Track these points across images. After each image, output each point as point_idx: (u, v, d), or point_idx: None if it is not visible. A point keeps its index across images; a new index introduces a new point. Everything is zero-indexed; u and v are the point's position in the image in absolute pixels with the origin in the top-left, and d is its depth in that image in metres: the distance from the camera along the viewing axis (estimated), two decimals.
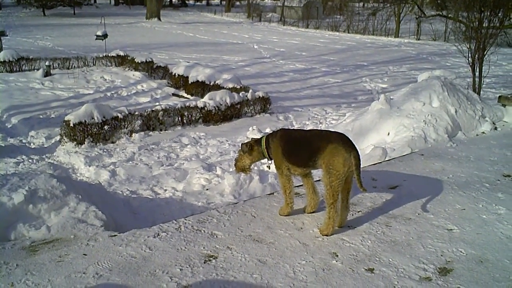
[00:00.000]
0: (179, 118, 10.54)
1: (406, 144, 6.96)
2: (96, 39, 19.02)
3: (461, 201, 4.64)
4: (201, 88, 13.40)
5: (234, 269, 3.40)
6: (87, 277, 3.26)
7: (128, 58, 16.93)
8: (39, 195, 4.22)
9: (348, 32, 38.58)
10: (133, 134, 9.76)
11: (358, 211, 4.42)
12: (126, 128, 9.84)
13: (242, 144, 4.28)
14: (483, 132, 7.54)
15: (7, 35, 18.89)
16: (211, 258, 3.53)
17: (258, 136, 7.67)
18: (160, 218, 5.50)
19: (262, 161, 4.51)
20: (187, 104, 10.81)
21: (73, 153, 8.64)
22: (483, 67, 11.07)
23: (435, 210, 4.42)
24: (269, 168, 4.36)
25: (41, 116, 11.03)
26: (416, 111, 7.75)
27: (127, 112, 9.90)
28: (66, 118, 9.33)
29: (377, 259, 3.54)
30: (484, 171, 5.55)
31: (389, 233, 3.97)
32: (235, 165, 4.40)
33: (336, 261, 3.51)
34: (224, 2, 60.35)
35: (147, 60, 16.17)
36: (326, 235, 3.88)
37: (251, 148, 4.22)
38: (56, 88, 13.88)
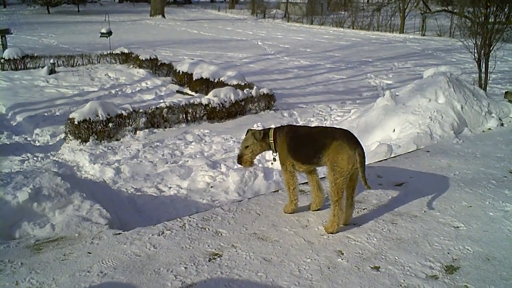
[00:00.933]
0: (184, 115, 10.53)
1: (411, 141, 6.92)
2: (100, 36, 19.03)
3: (468, 198, 4.60)
4: (205, 85, 13.38)
5: (238, 267, 3.38)
6: (91, 275, 3.26)
7: (133, 55, 16.94)
8: (44, 193, 4.22)
9: (353, 28, 38.40)
10: (138, 132, 9.76)
11: (364, 209, 4.39)
12: (131, 126, 9.84)
13: (255, 132, 4.16)
14: (490, 128, 7.48)
15: (11, 33, 18.95)
16: (215, 256, 3.52)
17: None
18: (164, 215, 5.49)
19: (267, 157, 4.48)
20: (192, 101, 10.79)
21: (77, 150, 8.64)
22: (489, 63, 10.99)
23: (441, 208, 4.39)
24: (275, 161, 4.30)
25: (46, 114, 11.05)
26: (422, 108, 7.69)
27: (131, 110, 9.90)
28: (70, 116, 9.34)
29: (383, 257, 3.52)
30: (490, 167, 5.50)
31: (395, 230, 3.94)
32: (240, 158, 4.20)
33: (342, 259, 3.49)
34: None
35: (151, 58, 16.16)
36: (331, 233, 3.86)
37: (263, 137, 4.14)
38: (61, 86, 13.90)
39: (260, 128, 4.32)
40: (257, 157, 5.67)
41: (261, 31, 33.89)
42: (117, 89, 13.77)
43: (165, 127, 10.17)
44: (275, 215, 4.25)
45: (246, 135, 4.24)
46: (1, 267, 3.37)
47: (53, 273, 3.30)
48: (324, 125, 9.34)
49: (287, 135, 4.04)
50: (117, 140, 9.43)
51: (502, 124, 7.63)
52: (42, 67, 15.55)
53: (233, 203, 4.63)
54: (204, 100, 10.77)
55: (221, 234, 3.88)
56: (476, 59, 10.95)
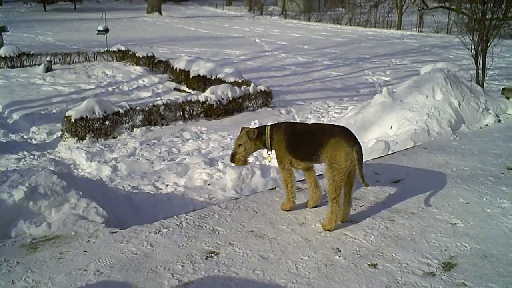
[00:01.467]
0: (181, 113, 10.50)
1: (409, 138, 6.91)
2: (97, 34, 18.95)
3: (465, 195, 4.60)
4: (202, 82, 13.34)
5: (236, 265, 3.37)
6: (88, 274, 3.24)
7: (129, 52, 16.88)
8: (40, 191, 4.20)
9: (350, 25, 38.36)
10: (135, 129, 9.73)
11: (361, 206, 4.38)
12: (128, 123, 9.81)
13: (249, 131, 4.10)
14: (487, 125, 7.48)
15: (8, 31, 18.85)
16: (212, 254, 3.51)
17: None
18: (161, 213, 5.48)
19: (264, 155, 4.45)
20: (189, 98, 10.77)
21: (74, 148, 8.61)
22: (486, 59, 10.98)
23: (438, 204, 4.38)
24: (269, 161, 4.28)
25: (42, 112, 11.01)
26: (419, 104, 7.69)
27: (128, 107, 9.86)
28: (67, 114, 9.30)
29: (380, 254, 3.51)
30: (488, 164, 5.50)
31: (393, 228, 3.94)
32: (233, 157, 4.15)
33: (339, 256, 3.48)
34: None
35: (148, 55, 16.12)
36: (329, 230, 3.85)
37: (258, 136, 4.10)
38: (58, 84, 13.84)
39: (256, 126, 4.28)
40: (255, 154, 5.67)
41: (258, 28, 33.81)
42: (114, 87, 13.72)
43: (162, 125, 10.14)
44: (272, 212, 4.24)
45: (240, 133, 4.20)
46: None
47: (49, 272, 3.28)
48: (321, 122, 9.34)
49: (285, 132, 4.01)
50: (114, 138, 9.40)
51: (499, 121, 7.63)
52: (39, 64, 15.48)
53: (230, 201, 4.62)
54: (201, 98, 10.74)
55: (218, 232, 3.87)
56: (473, 56, 10.95)
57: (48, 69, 15.06)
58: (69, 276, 3.22)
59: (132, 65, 16.27)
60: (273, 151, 4.12)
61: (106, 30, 18.44)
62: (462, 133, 7.04)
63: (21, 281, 3.17)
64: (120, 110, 9.69)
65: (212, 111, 10.78)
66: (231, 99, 10.99)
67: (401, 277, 3.22)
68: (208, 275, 3.24)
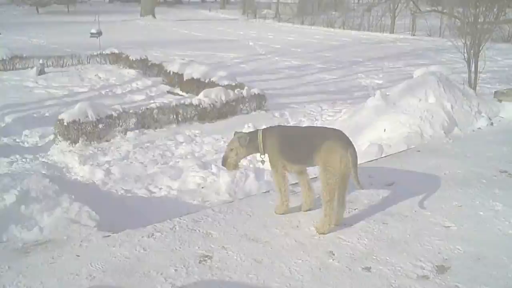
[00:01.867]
0: (174, 116, 10.46)
1: (402, 141, 6.93)
2: (90, 36, 18.90)
3: (458, 197, 4.61)
4: (196, 85, 13.30)
5: (229, 269, 3.35)
6: (80, 278, 3.22)
7: (123, 55, 16.81)
8: (32, 195, 4.18)
9: (344, 28, 38.47)
10: (128, 133, 9.67)
11: (355, 209, 4.39)
12: (121, 127, 9.75)
13: (240, 137, 4.09)
14: (480, 128, 7.51)
15: (0, 33, 18.76)
16: (206, 258, 3.49)
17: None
18: (154, 217, 5.42)
19: (258, 158, 4.43)
20: (182, 101, 10.73)
21: (67, 152, 8.55)
22: (478, 63, 11.05)
23: (432, 207, 4.39)
24: (263, 163, 4.27)
25: (35, 115, 10.93)
26: (412, 107, 7.72)
27: (121, 110, 9.81)
28: (59, 117, 9.22)
29: (374, 257, 3.51)
30: (480, 167, 5.52)
31: (386, 230, 3.94)
32: (224, 161, 4.15)
33: (333, 260, 3.47)
34: None
35: (142, 58, 16.05)
36: (323, 234, 3.84)
37: (250, 141, 4.08)
38: (50, 87, 13.75)
39: (249, 130, 4.29)
40: (248, 157, 5.66)
41: (252, 31, 33.83)
42: (107, 90, 13.65)
43: (156, 128, 10.09)
44: (266, 216, 4.23)
45: (233, 137, 4.18)
46: None
47: (41, 276, 3.25)
48: (315, 125, 9.35)
49: (278, 136, 4.01)
50: (107, 141, 9.33)
51: (491, 124, 7.67)
52: (32, 67, 15.37)
53: (223, 204, 4.61)
54: (195, 101, 10.71)
55: (212, 236, 3.85)
56: (466, 59, 11.01)
57: (41, 72, 14.96)
58: (61, 280, 3.20)
59: (126, 68, 16.21)
60: (266, 155, 4.11)
61: (99, 33, 18.41)
62: (455, 136, 7.07)
63: (12, 286, 3.13)
64: (113, 113, 9.63)
65: (206, 114, 10.75)
66: (224, 102, 10.97)
67: (395, 280, 3.22)
68: (202, 279, 3.22)
